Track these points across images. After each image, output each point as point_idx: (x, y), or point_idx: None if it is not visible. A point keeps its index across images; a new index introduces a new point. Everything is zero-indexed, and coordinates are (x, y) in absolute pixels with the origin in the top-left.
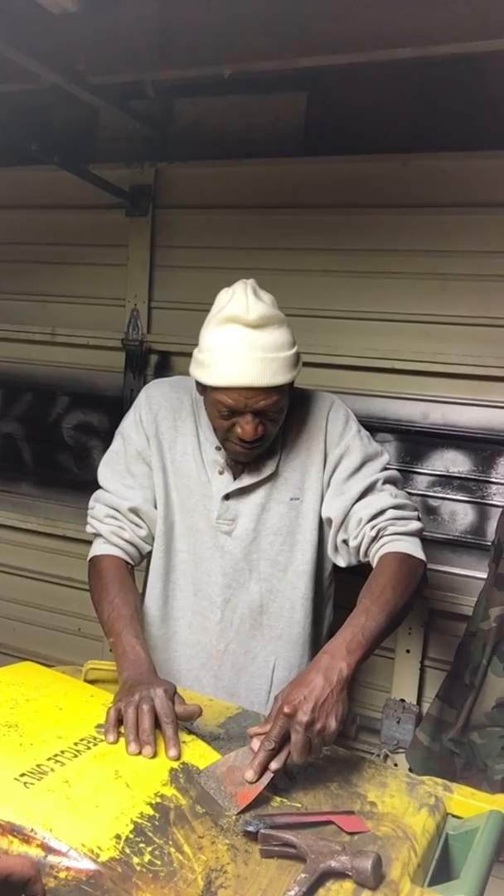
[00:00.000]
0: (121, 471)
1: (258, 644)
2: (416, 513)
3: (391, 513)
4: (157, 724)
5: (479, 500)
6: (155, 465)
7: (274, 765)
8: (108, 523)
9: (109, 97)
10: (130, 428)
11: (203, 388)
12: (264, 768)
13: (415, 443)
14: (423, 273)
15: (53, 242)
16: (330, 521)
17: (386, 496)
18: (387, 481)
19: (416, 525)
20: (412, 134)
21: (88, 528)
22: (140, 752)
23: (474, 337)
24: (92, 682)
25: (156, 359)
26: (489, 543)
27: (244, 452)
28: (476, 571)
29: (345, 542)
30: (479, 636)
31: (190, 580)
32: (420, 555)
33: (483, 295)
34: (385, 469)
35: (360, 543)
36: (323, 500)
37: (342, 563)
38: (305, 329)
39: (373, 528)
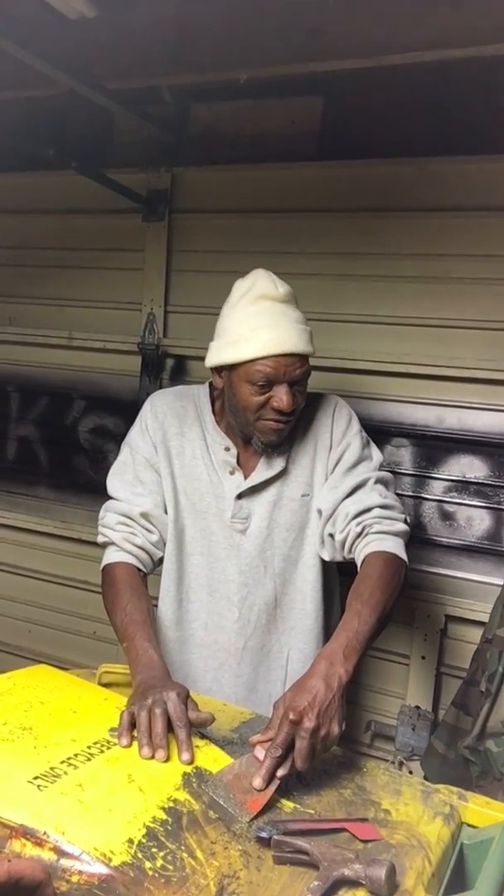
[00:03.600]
0: (130, 479)
1: (273, 638)
2: (403, 515)
3: (377, 511)
4: (170, 727)
5: (495, 505)
6: (163, 471)
7: (281, 771)
8: (119, 530)
9: (126, 102)
10: (137, 437)
11: (229, 372)
12: (272, 775)
13: (430, 448)
14: (439, 277)
15: (70, 247)
16: (320, 512)
17: (375, 495)
18: (378, 481)
19: (401, 526)
20: (427, 138)
21: (100, 539)
22: (153, 756)
23: (490, 341)
24: (106, 685)
25: (172, 363)
26: None
27: (278, 429)
28: (492, 577)
29: (331, 535)
30: (495, 643)
31: (204, 582)
32: (403, 556)
33: (499, 299)
34: (378, 470)
35: (346, 538)
36: None
37: (327, 556)
38: (320, 333)
39: (358, 524)
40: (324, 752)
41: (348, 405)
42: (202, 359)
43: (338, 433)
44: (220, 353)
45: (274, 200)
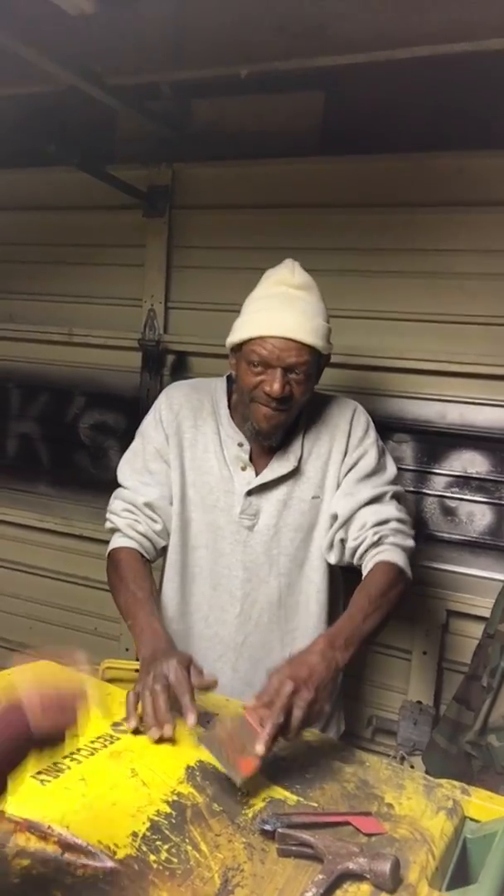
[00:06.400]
0: (139, 468)
1: (275, 637)
2: (413, 532)
3: (395, 524)
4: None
5: (497, 500)
6: (173, 462)
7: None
8: (124, 517)
9: (126, 98)
10: (150, 427)
11: (237, 354)
12: (274, 740)
13: (432, 443)
14: (440, 272)
15: (71, 243)
16: (335, 517)
17: (392, 508)
18: (394, 496)
19: (411, 543)
20: (429, 133)
21: (107, 524)
22: (161, 736)
23: (492, 336)
24: (109, 681)
25: (172, 359)
26: None
27: (268, 415)
28: (494, 573)
29: (342, 541)
30: (496, 638)
31: (207, 575)
32: (409, 573)
33: (500, 294)
34: (393, 483)
35: (359, 546)
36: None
37: (333, 560)
38: None
39: (375, 534)
40: (308, 726)
41: (367, 413)
42: (203, 355)
43: (354, 439)
44: (231, 334)
45: (275, 196)
